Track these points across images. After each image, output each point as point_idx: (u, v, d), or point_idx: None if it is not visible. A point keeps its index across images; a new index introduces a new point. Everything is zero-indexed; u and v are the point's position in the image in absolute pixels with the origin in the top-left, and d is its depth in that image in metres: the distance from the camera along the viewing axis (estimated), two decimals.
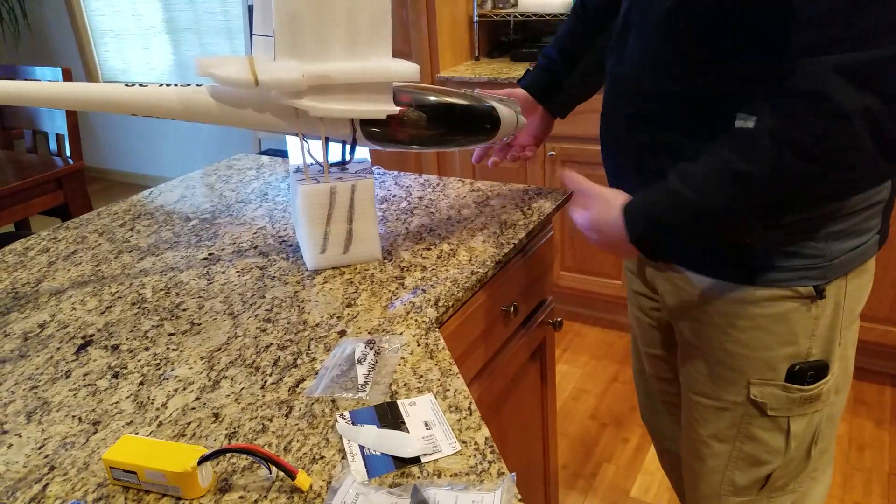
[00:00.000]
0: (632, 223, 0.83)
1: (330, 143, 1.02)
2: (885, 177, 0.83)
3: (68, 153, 2.46)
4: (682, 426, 1.07)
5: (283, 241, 1.16)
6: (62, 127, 2.46)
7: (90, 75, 4.44)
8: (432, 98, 1.03)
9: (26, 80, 2.62)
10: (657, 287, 1.05)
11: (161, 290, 1.02)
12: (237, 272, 1.06)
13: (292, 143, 1.08)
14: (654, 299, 1.12)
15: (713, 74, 0.82)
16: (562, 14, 2.47)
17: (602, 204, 0.87)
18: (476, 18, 2.62)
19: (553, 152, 2.34)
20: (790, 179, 0.73)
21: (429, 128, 1.04)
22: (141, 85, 0.87)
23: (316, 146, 1.01)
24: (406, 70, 0.91)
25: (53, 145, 2.53)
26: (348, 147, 1.03)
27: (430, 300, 0.94)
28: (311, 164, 1.03)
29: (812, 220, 0.84)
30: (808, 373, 0.90)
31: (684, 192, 0.79)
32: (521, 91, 1.21)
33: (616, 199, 0.86)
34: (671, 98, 0.86)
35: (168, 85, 0.88)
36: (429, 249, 1.09)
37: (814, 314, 0.88)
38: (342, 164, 1.04)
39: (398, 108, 0.96)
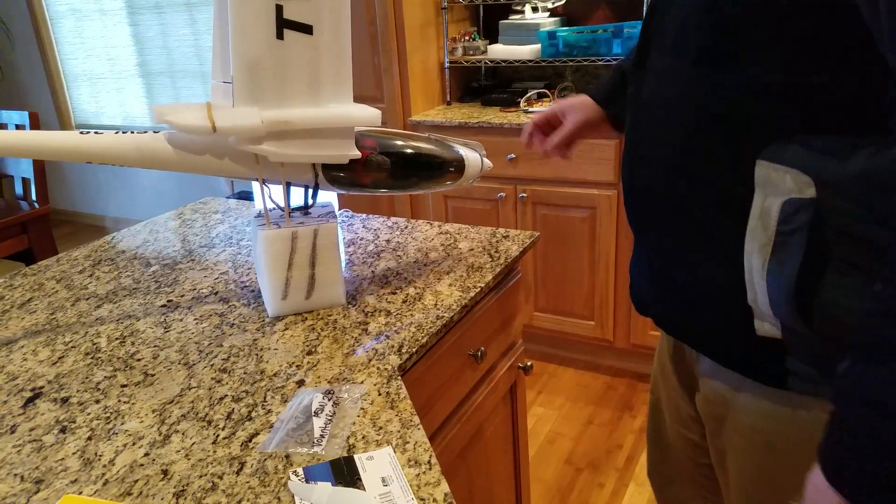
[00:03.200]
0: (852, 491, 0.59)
1: (295, 188, 1.01)
2: None
3: (34, 197, 2.42)
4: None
5: (245, 286, 1.14)
6: (28, 171, 2.42)
7: (62, 119, 4.42)
8: (396, 142, 1.03)
9: None
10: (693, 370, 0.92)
11: (116, 339, 0.99)
12: (195, 319, 1.03)
13: (258, 187, 1.07)
14: (682, 369, 0.97)
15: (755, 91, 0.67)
16: (530, 61, 2.52)
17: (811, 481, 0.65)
18: (447, 65, 2.66)
19: (524, 194, 2.35)
20: None
21: (393, 172, 1.03)
22: (96, 132, 0.86)
23: (279, 191, 0.99)
24: (367, 115, 0.91)
25: (19, 189, 2.49)
26: (311, 191, 1.02)
27: (393, 346, 0.92)
28: (273, 208, 1.01)
29: None
30: None
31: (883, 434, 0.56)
32: (582, 97, 1.10)
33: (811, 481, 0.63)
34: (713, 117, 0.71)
35: (125, 132, 0.87)
36: (394, 293, 1.07)
37: None
38: (305, 209, 1.03)
39: (359, 153, 0.96)
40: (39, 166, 2.42)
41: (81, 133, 0.85)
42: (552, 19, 2.58)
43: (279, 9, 0.83)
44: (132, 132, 0.87)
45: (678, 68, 0.72)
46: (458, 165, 1.10)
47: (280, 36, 0.84)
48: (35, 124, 2.48)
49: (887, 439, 0.55)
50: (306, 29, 0.85)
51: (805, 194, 0.64)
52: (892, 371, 0.54)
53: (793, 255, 0.65)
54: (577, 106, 1.10)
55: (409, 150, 1.04)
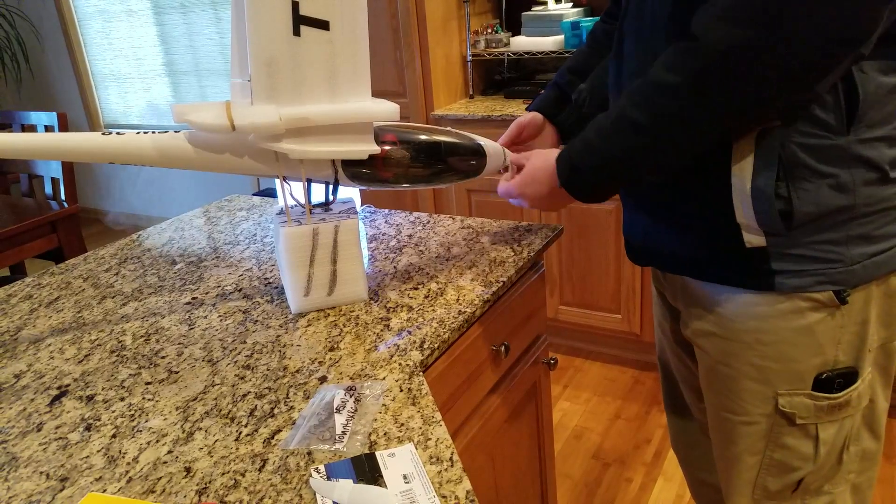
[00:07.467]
0: (560, 169, 0.93)
1: (316, 184, 1.00)
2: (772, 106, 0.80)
3: (63, 197, 2.46)
4: (713, 444, 1.04)
5: (269, 283, 1.14)
6: (57, 171, 2.46)
7: (91, 119, 4.49)
8: (417, 136, 1.02)
9: (22, 125, 2.65)
10: (679, 308, 1.03)
11: (141, 336, 1.00)
12: (219, 316, 1.04)
13: (280, 184, 1.07)
14: (676, 322, 1.09)
15: None
16: (553, 52, 2.49)
17: (538, 156, 0.98)
18: (469, 58, 2.64)
19: None
20: (669, 121, 0.78)
21: (414, 166, 1.02)
22: (118, 133, 0.86)
23: (299, 187, 0.99)
24: (385, 110, 0.90)
25: (49, 189, 2.53)
26: (331, 188, 1.01)
27: (415, 342, 0.91)
28: (294, 205, 1.01)
29: (821, 219, 0.82)
30: (836, 381, 0.88)
31: (593, 140, 0.87)
32: (528, 116, 1.19)
33: (552, 152, 0.95)
34: None
35: (145, 132, 0.88)
36: (416, 289, 1.07)
37: (839, 322, 0.86)
38: (325, 205, 1.03)
39: (379, 148, 0.95)
40: (68, 166, 2.46)
41: (103, 134, 0.85)
42: (575, 10, 2.55)
43: (295, 5, 0.83)
44: (153, 132, 0.88)
45: (655, 46, 0.85)
46: (479, 156, 1.08)
47: (297, 32, 0.83)
48: (63, 125, 2.52)
49: (595, 142, 0.86)
50: (323, 25, 0.84)
51: (772, 124, 0.79)
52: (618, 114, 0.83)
53: (769, 172, 0.80)
54: (530, 123, 1.20)
55: (428, 143, 1.03)
